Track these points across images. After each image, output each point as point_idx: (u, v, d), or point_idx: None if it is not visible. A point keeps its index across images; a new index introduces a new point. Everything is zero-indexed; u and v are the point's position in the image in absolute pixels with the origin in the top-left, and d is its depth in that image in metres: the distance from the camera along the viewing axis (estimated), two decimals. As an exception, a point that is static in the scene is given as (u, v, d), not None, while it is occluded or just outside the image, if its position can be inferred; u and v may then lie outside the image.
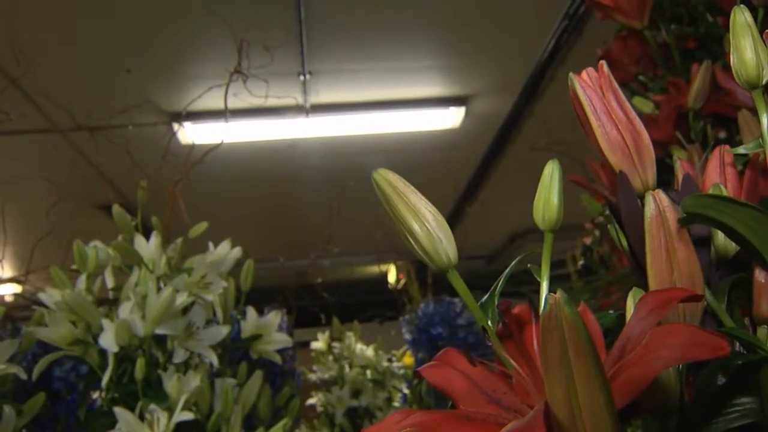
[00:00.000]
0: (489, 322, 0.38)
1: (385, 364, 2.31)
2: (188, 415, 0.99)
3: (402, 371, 2.35)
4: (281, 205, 3.89)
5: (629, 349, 0.33)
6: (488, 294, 0.40)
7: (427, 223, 0.39)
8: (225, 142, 3.54)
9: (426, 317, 1.76)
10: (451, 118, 3.48)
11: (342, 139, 3.52)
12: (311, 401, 2.34)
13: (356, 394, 2.23)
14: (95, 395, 1.17)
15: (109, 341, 1.04)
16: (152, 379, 1.06)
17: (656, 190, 0.38)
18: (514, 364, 0.35)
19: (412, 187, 0.41)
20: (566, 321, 0.26)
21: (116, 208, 1.15)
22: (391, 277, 4.75)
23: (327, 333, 2.41)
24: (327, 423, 2.26)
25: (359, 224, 2.58)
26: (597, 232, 1.15)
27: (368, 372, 2.31)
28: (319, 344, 2.40)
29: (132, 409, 1.03)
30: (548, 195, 0.41)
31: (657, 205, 0.38)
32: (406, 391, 2.28)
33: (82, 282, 1.11)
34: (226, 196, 3.58)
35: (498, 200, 3.65)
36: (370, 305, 3.27)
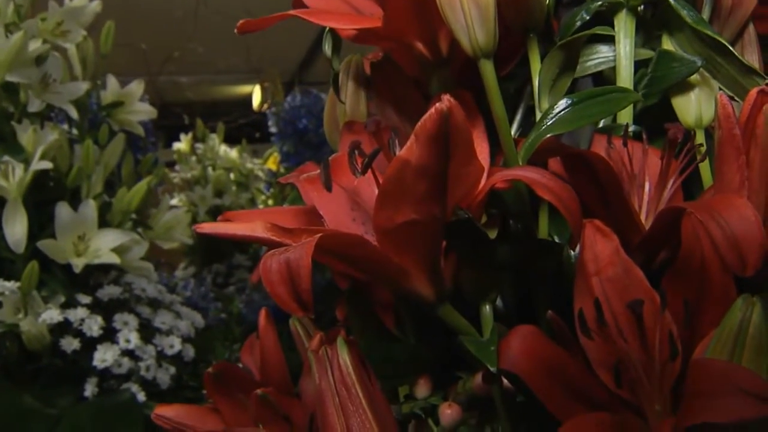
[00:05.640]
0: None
1: (249, 166, 2.30)
2: (46, 164, 0.95)
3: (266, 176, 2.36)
4: (143, 8, 3.65)
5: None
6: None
7: None
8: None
9: (293, 110, 1.73)
10: None
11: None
12: (173, 202, 2.32)
13: (219, 194, 2.23)
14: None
15: (-47, 89, 0.97)
16: (5, 131, 1.01)
17: None
18: None
19: None
20: None
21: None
22: (256, 101, 4.63)
23: (190, 134, 2.36)
24: (189, 222, 2.26)
25: (227, 14, 2.44)
26: None
27: (232, 175, 2.30)
28: (181, 145, 2.35)
29: (-17, 162, 0.98)
30: None
31: None
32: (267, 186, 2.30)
33: None
34: None
35: None
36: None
